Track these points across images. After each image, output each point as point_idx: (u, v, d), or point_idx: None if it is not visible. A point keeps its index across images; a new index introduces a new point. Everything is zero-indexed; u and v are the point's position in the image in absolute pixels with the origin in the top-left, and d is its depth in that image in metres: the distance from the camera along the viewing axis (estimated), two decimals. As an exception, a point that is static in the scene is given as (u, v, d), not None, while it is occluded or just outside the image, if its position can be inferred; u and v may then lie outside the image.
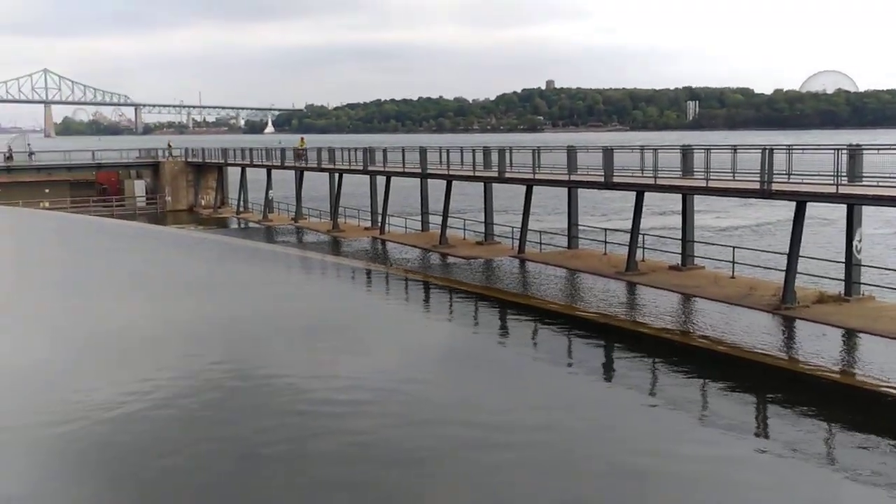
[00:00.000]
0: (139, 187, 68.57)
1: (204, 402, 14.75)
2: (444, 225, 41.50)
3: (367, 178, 49.94)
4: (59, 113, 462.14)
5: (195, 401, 14.78)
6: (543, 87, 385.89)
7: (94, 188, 67.98)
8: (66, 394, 15.01)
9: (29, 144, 74.90)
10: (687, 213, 31.81)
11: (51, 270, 30.04)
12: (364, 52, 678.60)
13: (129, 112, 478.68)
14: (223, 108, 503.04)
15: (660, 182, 30.57)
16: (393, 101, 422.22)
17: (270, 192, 58.67)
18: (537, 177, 37.22)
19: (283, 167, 58.26)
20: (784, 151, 26.68)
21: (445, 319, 23.85)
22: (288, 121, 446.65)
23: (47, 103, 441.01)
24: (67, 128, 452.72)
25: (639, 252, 32.33)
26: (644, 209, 32.96)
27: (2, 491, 11.32)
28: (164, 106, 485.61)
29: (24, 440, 13.12)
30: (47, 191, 64.77)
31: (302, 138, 58.69)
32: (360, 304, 25.39)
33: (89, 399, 14.65)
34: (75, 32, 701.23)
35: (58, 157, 71.32)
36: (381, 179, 48.12)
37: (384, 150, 48.90)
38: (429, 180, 44.89)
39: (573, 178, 35.36)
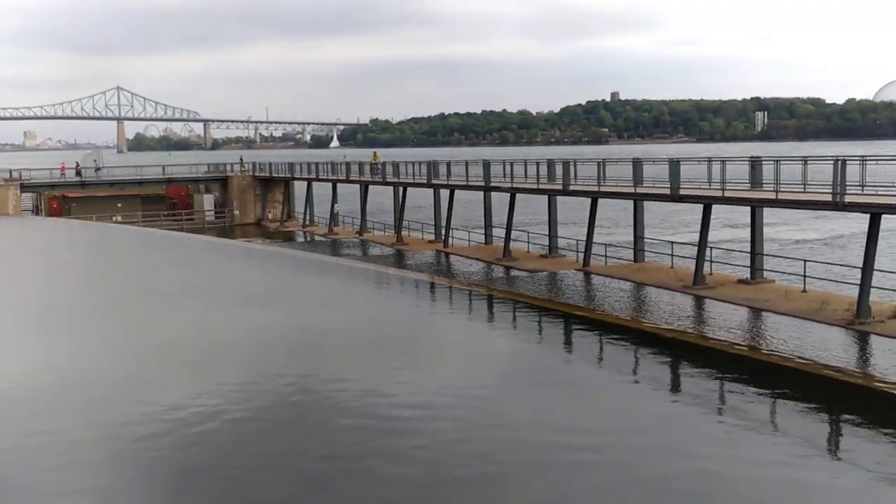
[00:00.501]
0: (208, 201, 69.96)
1: (267, 411, 14.95)
2: (507, 238, 41.40)
3: (430, 191, 50.11)
4: (131, 129, 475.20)
5: (259, 409, 14.98)
6: (608, 99, 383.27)
7: (164, 202, 69.57)
8: (131, 402, 15.34)
9: (95, 160, 76.96)
10: (756, 226, 31.21)
11: (121, 281, 30.79)
12: (429, 66, 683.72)
13: (199, 128, 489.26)
14: (290, 123, 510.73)
15: (728, 194, 30.07)
16: (457, 114, 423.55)
17: (336, 205, 59.27)
18: (602, 189, 36.91)
19: (348, 181, 58.84)
20: (857, 162, 26.02)
21: (509, 332, 23.76)
22: (353, 135, 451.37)
23: (120, 120, 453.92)
24: (139, 143, 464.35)
25: (706, 265, 31.81)
26: (712, 222, 32.44)
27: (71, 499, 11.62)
28: (232, 121, 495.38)
29: (90, 448, 13.43)
30: (119, 205, 66.46)
31: (375, 153, 58.95)
32: (424, 317, 25.44)
33: (155, 407, 14.95)
34: (147, 51, 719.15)
35: (129, 172, 73.18)
36: (444, 193, 48.25)
37: (448, 164, 49.03)
38: (492, 193, 44.87)
39: (639, 190, 34.99)
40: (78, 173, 68.59)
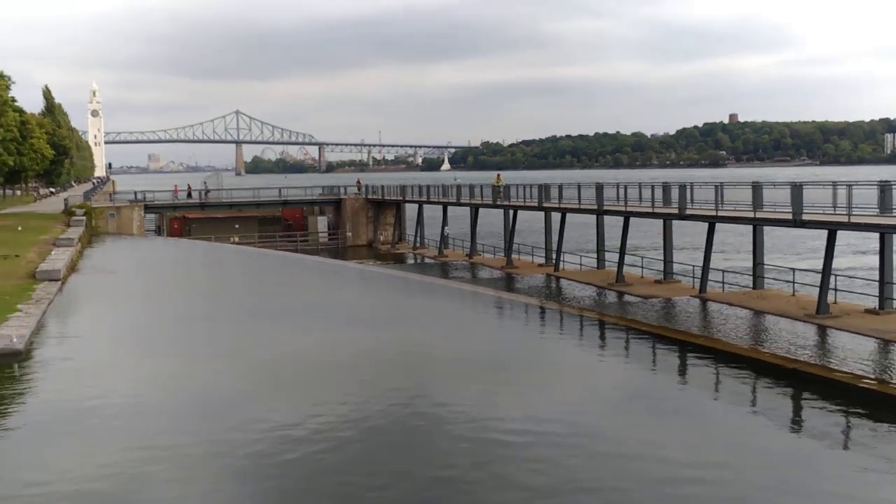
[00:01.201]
0: (322, 223, 71.65)
1: (377, 431, 15.08)
2: (620, 262, 40.84)
3: (541, 214, 49.95)
4: (249, 152, 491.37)
5: (369, 430, 15.13)
6: (726, 121, 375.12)
7: (279, 224, 71.63)
8: (244, 419, 15.71)
9: (205, 183, 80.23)
10: (885, 253, 29.84)
11: (236, 300, 31.74)
12: (540, 88, 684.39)
13: (314, 151, 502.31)
14: (402, 146, 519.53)
15: (854, 220, 28.90)
16: (569, 136, 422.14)
17: (446, 228, 59.73)
18: (720, 214, 36.03)
19: (458, 203, 59.23)
20: None
21: (621, 359, 23.35)
22: (464, 158, 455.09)
23: (238, 143, 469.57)
24: (257, 166, 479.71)
25: (831, 294, 30.57)
26: (837, 248, 31.19)
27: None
28: (346, 145, 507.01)
29: (204, 463, 13.82)
30: (237, 226, 68.76)
31: (498, 175, 58.42)
32: (533, 341, 25.27)
33: (267, 424, 15.28)
34: (267, 77, 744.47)
35: (247, 194, 75.61)
36: (556, 216, 48.03)
37: (559, 187, 48.81)
38: (605, 217, 44.38)
39: (759, 215, 33.99)
40: (189, 195, 71.38)
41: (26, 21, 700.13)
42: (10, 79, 69.09)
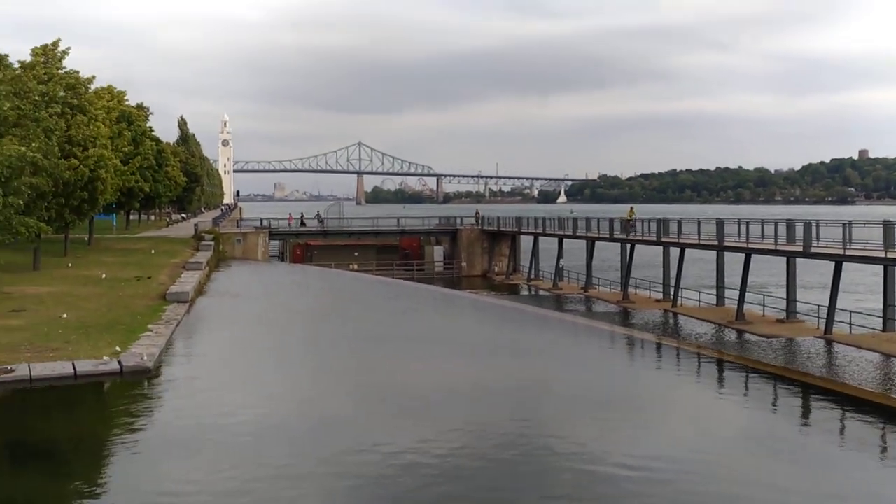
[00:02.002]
0: (438, 253, 72.35)
1: (487, 460, 15.10)
2: (741, 300, 39.74)
3: (660, 248, 49.15)
4: (369, 182, 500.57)
5: (479, 458, 15.16)
6: (855, 157, 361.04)
7: (397, 252, 72.70)
8: (358, 442, 15.98)
9: (318, 212, 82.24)
10: None
11: (354, 325, 32.35)
12: (660, 121, 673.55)
13: (432, 182, 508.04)
14: (518, 178, 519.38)
15: None
16: (688, 171, 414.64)
17: (561, 260, 59.39)
18: (848, 253, 34.65)
19: (574, 236, 58.82)
20: None
21: (740, 399, 22.66)
22: (580, 191, 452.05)
23: (360, 174, 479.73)
24: (377, 196, 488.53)
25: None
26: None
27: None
28: (463, 176, 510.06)
29: (319, 484, 14.10)
30: (356, 254, 70.20)
31: (631, 208, 56.82)
32: (648, 378, 24.81)
33: (381, 448, 15.51)
34: (388, 109, 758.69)
35: (366, 223, 77.14)
36: (674, 251, 47.17)
37: (679, 221, 47.92)
38: (725, 253, 43.32)
39: (890, 254, 32.52)
40: (302, 223, 73.54)
41: (166, 55, 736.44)
42: (148, 110, 73.19)
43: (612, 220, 54.97)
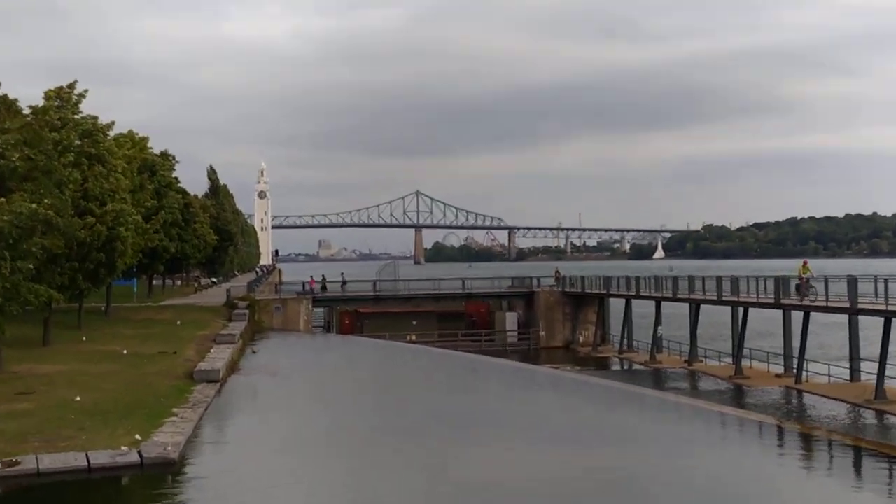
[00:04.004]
0: (510, 320, 72.08)
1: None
2: (881, 374, 38.83)
3: (779, 312, 48.36)
4: (429, 238, 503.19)
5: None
6: None
7: (462, 320, 72.68)
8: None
9: (343, 274, 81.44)
10: None
11: (412, 407, 32.35)
12: (776, 161, 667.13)
13: (502, 236, 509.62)
14: (606, 230, 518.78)
15: None
16: (812, 218, 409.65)
17: (659, 328, 58.76)
18: None
19: (674, 299, 58.25)
20: None
21: (883, 496, 22.02)
22: (681, 244, 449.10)
23: (418, 227, 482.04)
24: (438, 253, 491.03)
25: None
26: None
27: None
28: (540, 229, 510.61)
29: None
30: (414, 322, 70.32)
31: (805, 262, 55.07)
32: (769, 470, 24.30)
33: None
34: (449, 153, 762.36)
35: (426, 286, 77.30)
36: (796, 315, 46.39)
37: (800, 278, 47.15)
38: (860, 317, 42.45)
39: None
40: (324, 287, 72.84)
41: (194, 99, 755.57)
42: (174, 158, 74.59)
43: (706, 280, 54.35)
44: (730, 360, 51.21)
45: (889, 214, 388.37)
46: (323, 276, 78.03)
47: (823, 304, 43.86)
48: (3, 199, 29.25)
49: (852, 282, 42.07)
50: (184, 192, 77.38)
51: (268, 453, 24.44)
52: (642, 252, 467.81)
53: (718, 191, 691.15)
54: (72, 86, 43.21)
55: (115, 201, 44.36)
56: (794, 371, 45.28)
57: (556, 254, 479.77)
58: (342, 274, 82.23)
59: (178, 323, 53.73)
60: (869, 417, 36.45)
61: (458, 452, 24.65)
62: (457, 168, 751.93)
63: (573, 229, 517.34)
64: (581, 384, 43.25)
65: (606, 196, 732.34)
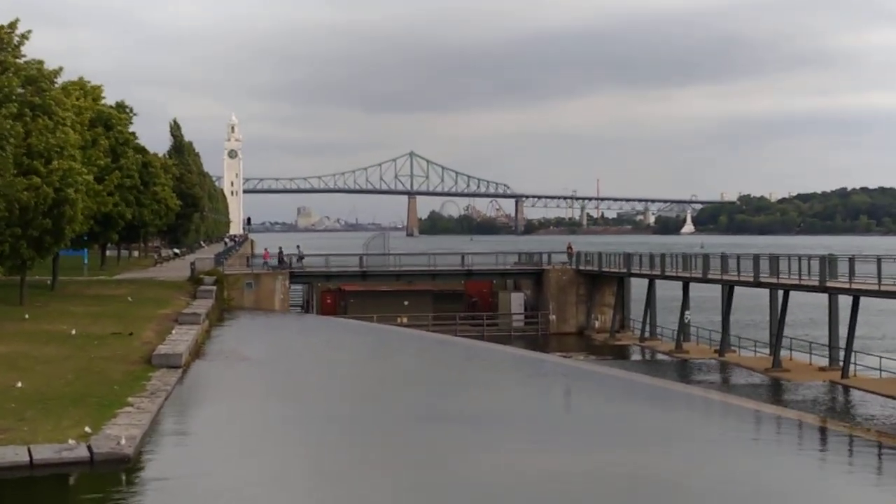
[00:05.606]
0: (516, 301, 72.09)
1: None
2: (939, 368, 38.90)
3: (824, 296, 48.38)
4: (424, 206, 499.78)
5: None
6: None
7: (461, 301, 72.69)
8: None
9: (298, 247, 79.86)
10: None
11: (405, 402, 32.39)
12: (825, 122, 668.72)
13: (509, 205, 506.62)
14: (627, 200, 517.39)
15: None
16: (864, 189, 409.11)
17: (687, 313, 58.79)
18: None
19: (705, 280, 58.23)
20: None
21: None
22: (713, 217, 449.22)
23: (412, 194, 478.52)
24: (434, 224, 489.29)
25: None
26: None
27: None
28: (552, 198, 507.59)
29: None
30: (406, 303, 70.19)
31: None
32: (810, 474, 24.43)
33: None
34: (448, 107, 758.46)
35: (421, 261, 77.03)
36: (843, 299, 46.41)
37: (850, 259, 47.06)
38: (916, 303, 42.56)
39: None
40: (280, 261, 71.88)
41: (154, 41, 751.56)
42: (132, 110, 74.03)
43: (741, 259, 54.48)
44: (767, 350, 51.27)
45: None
46: (280, 248, 75.58)
47: (875, 287, 43.87)
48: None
49: (908, 262, 42.12)
50: (143, 150, 77.10)
51: (234, 450, 24.47)
52: (669, 226, 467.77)
53: (757, 157, 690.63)
54: (12, 25, 42.74)
55: (63, 159, 44.08)
56: (841, 364, 45.35)
57: (569, 226, 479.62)
58: (298, 247, 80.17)
59: (132, 300, 53.64)
60: (925, 418, 36.63)
61: (446, 455, 24.69)
62: (457, 126, 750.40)
63: (590, 199, 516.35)
64: (598, 376, 43.28)
65: (629, 161, 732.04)
